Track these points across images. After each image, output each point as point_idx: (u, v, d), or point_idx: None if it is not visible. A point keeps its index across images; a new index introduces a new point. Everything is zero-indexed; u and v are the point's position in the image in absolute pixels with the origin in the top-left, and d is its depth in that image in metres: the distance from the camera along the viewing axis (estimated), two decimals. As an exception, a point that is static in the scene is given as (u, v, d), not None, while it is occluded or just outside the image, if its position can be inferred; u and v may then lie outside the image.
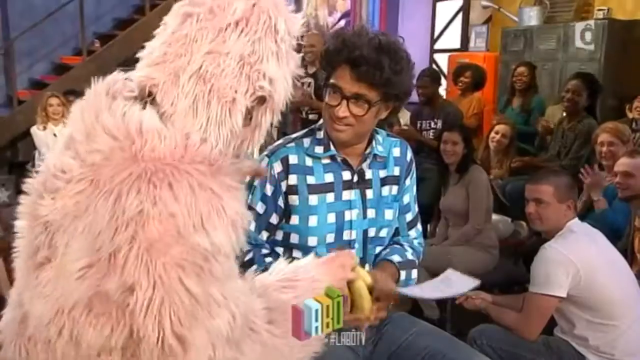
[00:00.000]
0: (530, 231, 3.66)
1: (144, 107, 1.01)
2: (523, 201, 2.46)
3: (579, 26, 5.40)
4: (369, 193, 1.72)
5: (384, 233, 1.76)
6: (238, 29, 1.02)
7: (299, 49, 1.12)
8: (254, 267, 1.61)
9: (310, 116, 4.87)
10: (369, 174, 1.73)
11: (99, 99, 1.04)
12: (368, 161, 1.72)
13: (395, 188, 1.77)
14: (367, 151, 1.71)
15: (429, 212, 3.88)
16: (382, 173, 1.75)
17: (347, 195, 1.69)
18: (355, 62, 1.52)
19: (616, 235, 3.02)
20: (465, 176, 3.47)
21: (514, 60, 5.65)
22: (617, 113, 4.94)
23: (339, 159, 1.68)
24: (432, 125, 4.72)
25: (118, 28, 7.72)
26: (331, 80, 1.59)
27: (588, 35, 5.26)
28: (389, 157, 1.77)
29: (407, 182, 1.82)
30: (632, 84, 4.98)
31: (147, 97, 1.04)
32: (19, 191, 4.13)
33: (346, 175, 1.69)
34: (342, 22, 8.00)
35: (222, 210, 0.96)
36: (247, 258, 1.64)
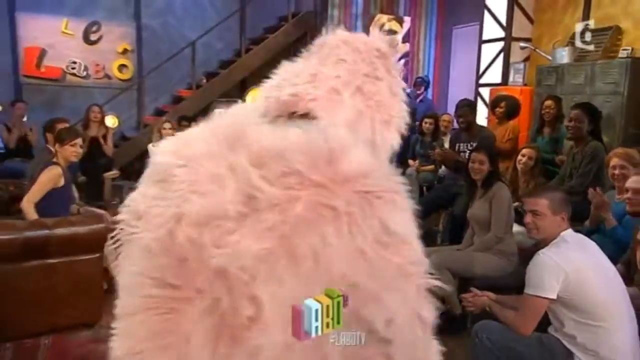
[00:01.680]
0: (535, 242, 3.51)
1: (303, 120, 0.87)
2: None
3: (604, 64, 5.14)
4: None
5: None
6: (381, 63, 0.99)
7: None
8: None
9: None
10: None
11: (253, 119, 0.89)
12: None
13: None
14: None
15: (464, 222, 3.82)
16: None
17: None
18: None
19: (624, 249, 2.87)
20: (490, 191, 3.40)
21: (546, 94, 5.44)
22: (637, 140, 4.65)
23: None
24: (469, 147, 4.63)
25: (221, 67, 8.06)
26: None
27: (612, 72, 4.99)
28: None
29: None
30: (652, 115, 4.70)
31: (299, 113, 0.90)
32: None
33: None
34: (402, 62, 7.98)
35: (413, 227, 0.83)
36: None
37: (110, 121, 6.99)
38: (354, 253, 0.72)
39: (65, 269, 3.14)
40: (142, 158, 7.38)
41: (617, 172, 3.24)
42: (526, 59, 6.55)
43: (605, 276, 2.13)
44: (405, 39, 7.95)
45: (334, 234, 0.71)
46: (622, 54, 5.18)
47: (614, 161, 3.29)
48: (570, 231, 2.22)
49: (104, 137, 6.23)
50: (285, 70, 0.99)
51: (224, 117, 0.94)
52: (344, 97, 0.90)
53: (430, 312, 0.79)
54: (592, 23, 5.58)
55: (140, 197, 0.86)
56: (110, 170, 6.07)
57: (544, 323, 2.20)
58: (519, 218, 3.61)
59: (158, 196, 0.82)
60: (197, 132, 0.92)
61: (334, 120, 0.87)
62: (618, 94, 4.91)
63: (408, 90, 7.69)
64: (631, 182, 2.64)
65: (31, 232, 3.00)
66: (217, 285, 0.71)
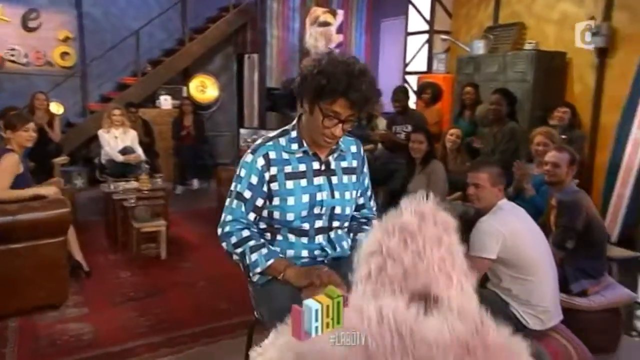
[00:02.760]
0: (477, 211, 3.69)
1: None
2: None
3: (514, 55, 5.43)
4: (334, 179, 1.71)
5: (347, 211, 1.75)
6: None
7: None
8: (252, 241, 1.62)
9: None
10: (333, 165, 1.72)
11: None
12: (335, 155, 1.72)
13: (354, 177, 1.77)
14: (334, 147, 1.70)
15: (399, 195, 3.92)
16: (343, 164, 1.75)
17: (317, 180, 1.68)
18: (349, 95, 1.49)
19: (540, 214, 3.07)
20: (427, 167, 3.52)
21: (465, 81, 5.67)
22: (542, 121, 4.96)
23: (310, 153, 1.68)
24: (404, 129, 4.76)
25: (165, 55, 7.72)
26: (332, 108, 1.52)
27: (521, 62, 5.28)
28: (348, 152, 1.77)
29: (365, 170, 1.83)
30: (554, 99, 5.02)
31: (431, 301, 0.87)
32: (90, 179, 4.19)
33: (315, 165, 1.69)
34: (337, 52, 8.01)
35: None
36: (244, 235, 1.63)
37: (55, 108, 6.54)
38: None
39: (30, 252, 2.97)
40: (88, 144, 7.01)
41: (540, 148, 3.46)
42: (447, 50, 6.76)
43: (534, 237, 2.28)
44: (338, 30, 7.97)
45: None
46: (527, 46, 5.49)
47: (538, 138, 3.50)
48: (505, 200, 2.35)
49: (50, 123, 5.82)
50: (393, 251, 0.92)
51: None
52: (453, 280, 0.90)
53: None
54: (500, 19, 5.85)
55: None
56: (58, 156, 5.69)
57: (483, 280, 2.33)
58: (451, 190, 3.81)
59: None
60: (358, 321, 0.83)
61: (449, 304, 0.87)
62: (526, 81, 5.20)
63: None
64: (550, 157, 2.81)
65: (-6, 218, 2.79)
66: None
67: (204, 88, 7.90)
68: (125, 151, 5.37)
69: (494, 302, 2.23)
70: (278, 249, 1.69)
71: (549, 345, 2.18)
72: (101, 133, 5.47)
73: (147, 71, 7.40)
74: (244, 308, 3.11)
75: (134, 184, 4.55)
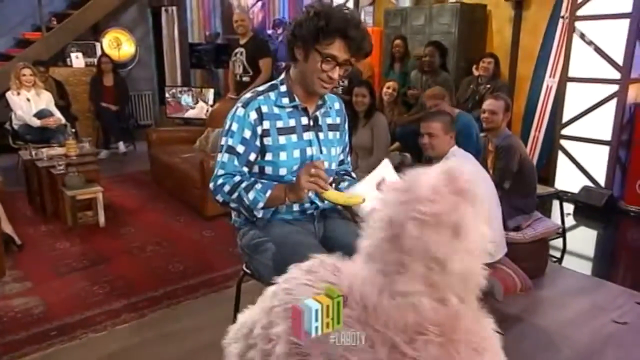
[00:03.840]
0: (414, 160, 3.89)
1: None
2: (409, 139, 2.58)
3: (439, 8, 5.61)
4: (321, 135, 1.73)
5: (333, 166, 1.78)
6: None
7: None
8: (244, 182, 1.61)
9: (244, 79, 4.80)
10: (320, 121, 1.73)
11: None
12: (321, 110, 1.73)
13: (337, 133, 1.80)
14: (320, 102, 1.72)
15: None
16: (328, 120, 1.77)
17: (306, 136, 1.69)
18: (347, 37, 1.51)
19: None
20: (371, 120, 3.61)
21: (393, 34, 5.78)
22: (467, 71, 5.25)
23: (300, 108, 1.67)
24: (341, 84, 4.81)
25: (71, 7, 7.05)
26: (327, 51, 1.53)
27: (445, 15, 5.48)
28: (332, 109, 1.79)
29: (346, 127, 1.88)
30: (476, 51, 5.30)
31: None
32: (1, 146, 3.84)
33: (304, 120, 1.69)
34: (259, 4, 7.77)
35: None
36: (236, 180, 1.62)
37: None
38: None
39: (-43, 229, 2.72)
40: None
41: (434, 110, 3.67)
42: (373, 2, 6.81)
43: (483, 179, 2.47)
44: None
45: None
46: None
47: (429, 102, 3.69)
48: (456, 147, 2.51)
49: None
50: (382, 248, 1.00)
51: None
52: (440, 287, 0.98)
53: None
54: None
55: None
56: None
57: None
58: (391, 141, 3.95)
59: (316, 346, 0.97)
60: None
61: (433, 296, 0.98)
62: (451, 33, 5.42)
63: (269, 32, 7.58)
64: (487, 105, 3.00)
65: None
66: None
67: (119, 44, 7.37)
68: (41, 115, 4.94)
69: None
70: (270, 182, 1.66)
71: (498, 276, 2.43)
72: (9, 95, 4.97)
73: (52, 26, 6.72)
74: (201, 268, 3.14)
75: (59, 150, 4.23)
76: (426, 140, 2.48)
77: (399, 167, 3.97)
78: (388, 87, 4.35)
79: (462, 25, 5.37)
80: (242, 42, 4.81)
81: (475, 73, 4.94)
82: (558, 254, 3.47)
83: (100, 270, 3.13)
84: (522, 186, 2.96)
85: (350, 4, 6.87)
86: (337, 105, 1.83)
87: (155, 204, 4.46)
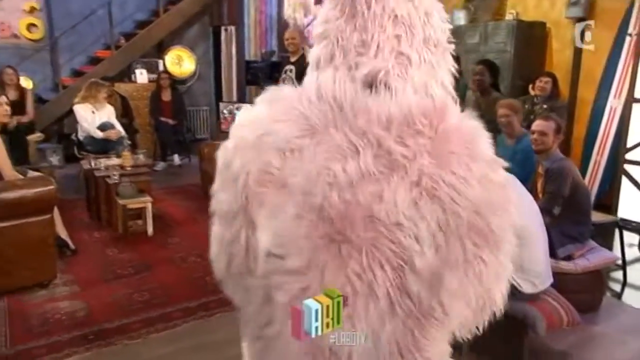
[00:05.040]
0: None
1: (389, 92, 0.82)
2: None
3: (494, 25, 5.44)
4: None
5: None
6: None
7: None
8: None
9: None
10: None
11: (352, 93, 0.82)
12: None
13: None
14: None
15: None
16: None
17: None
18: None
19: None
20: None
21: (446, 52, 5.65)
22: (523, 91, 5.04)
23: None
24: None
25: (138, 28, 7.47)
26: None
27: (501, 33, 5.30)
28: None
29: None
30: (534, 69, 5.08)
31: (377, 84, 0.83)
32: (65, 156, 4.09)
33: None
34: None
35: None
36: None
37: (25, 83, 6.28)
38: (460, 179, 0.78)
39: (14, 232, 2.91)
40: (61, 120, 6.78)
41: (503, 120, 3.52)
42: (427, 21, 6.72)
43: (525, 204, 2.30)
44: (317, 1, 7.81)
45: (437, 169, 0.78)
46: (508, 17, 5.51)
47: (501, 111, 3.55)
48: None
49: (22, 99, 5.60)
50: (335, 31, 0.85)
51: (308, 90, 0.86)
52: (412, 59, 0.83)
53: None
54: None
55: (275, 169, 0.83)
56: (32, 133, 5.52)
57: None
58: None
59: (294, 167, 0.81)
60: (296, 101, 0.85)
61: (412, 84, 0.83)
62: (506, 51, 5.24)
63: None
64: (536, 126, 2.84)
65: (-23, 197, 2.70)
66: (369, 230, 0.77)
67: (180, 61, 7.71)
68: (104, 127, 5.22)
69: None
70: None
71: (542, 308, 2.25)
72: (77, 109, 5.28)
73: (120, 44, 7.15)
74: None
75: (115, 161, 4.45)
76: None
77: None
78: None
79: (519, 43, 5.17)
80: (292, 59, 4.88)
81: (532, 92, 4.72)
82: (618, 288, 3.21)
83: (143, 278, 3.22)
84: (575, 213, 2.77)
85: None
86: None
87: (203, 216, 4.51)
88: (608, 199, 4.56)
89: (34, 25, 7.03)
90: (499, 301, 0.89)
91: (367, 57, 0.82)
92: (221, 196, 0.93)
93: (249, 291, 0.93)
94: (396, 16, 0.83)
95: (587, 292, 2.78)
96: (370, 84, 0.82)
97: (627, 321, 2.78)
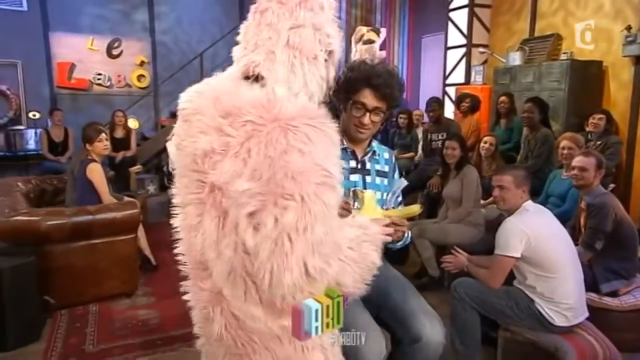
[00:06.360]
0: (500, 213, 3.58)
1: (258, 84, 0.99)
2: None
3: (548, 65, 5.23)
4: (368, 178, 1.72)
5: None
6: (302, 7, 1.02)
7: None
8: None
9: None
10: (368, 165, 1.73)
11: (229, 85, 1.01)
12: (368, 155, 1.74)
13: (385, 180, 1.78)
14: (368, 148, 1.74)
15: (439, 200, 3.87)
16: (377, 167, 1.76)
17: (353, 177, 1.68)
18: (377, 86, 1.54)
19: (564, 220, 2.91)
20: (461, 173, 3.46)
21: (502, 91, 5.51)
22: (578, 128, 4.75)
23: (349, 151, 1.69)
24: (439, 137, 4.70)
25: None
26: (359, 99, 1.56)
27: (555, 72, 5.09)
28: (381, 157, 1.79)
29: (395, 176, 1.84)
30: (588, 107, 4.79)
31: (252, 76, 1.01)
32: (161, 185, 4.42)
33: (352, 163, 1.70)
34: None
35: (334, 151, 0.96)
36: None
37: (132, 124, 6.96)
38: (268, 157, 0.92)
39: (106, 248, 3.18)
40: (159, 154, 7.38)
41: (565, 152, 3.35)
42: (484, 62, 6.61)
43: (558, 237, 2.20)
44: (382, 47, 7.98)
45: (259, 147, 0.92)
46: (562, 56, 5.28)
47: (564, 143, 3.39)
48: (530, 202, 2.29)
49: (128, 137, 6.20)
50: (243, 37, 1.08)
51: (218, 79, 1.10)
52: (277, 55, 1.00)
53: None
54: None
55: (177, 133, 1.14)
56: (134, 165, 6.05)
57: (510, 278, 2.27)
58: (486, 195, 3.72)
59: (185, 133, 1.09)
60: (203, 87, 1.10)
61: (276, 77, 1.00)
62: (560, 90, 5.00)
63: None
64: (576, 162, 2.70)
65: (77, 217, 3.03)
66: (214, 192, 0.99)
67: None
68: (190, 160, 5.60)
69: (521, 299, 2.20)
70: None
71: (575, 341, 2.09)
72: (168, 144, 5.70)
73: (210, 89, 7.70)
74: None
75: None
76: (497, 193, 2.30)
77: (495, 220, 3.75)
78: (485, 142, 4.12)
79: (573, 81, 4.92)
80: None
81: (587, 129, 4.45)
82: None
83: (209, 293, 3.38)
84: (619, 249, 2.55)
85: (462, 65, 6.75)
86: (386, 155, 1.82)
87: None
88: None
89: (142, 75, 7.80)
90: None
91: (246, 52, 1.03)
92: None
93: None
94: (268, 24, 1.02)
95: (634, 330, 2.52)
96: (248, 75, 1.01)
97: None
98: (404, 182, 1.65)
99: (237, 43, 1.10)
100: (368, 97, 1.56)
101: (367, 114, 1.58)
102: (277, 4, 1.02)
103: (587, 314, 2.19)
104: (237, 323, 1.05)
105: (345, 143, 1.70)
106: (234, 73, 1.06)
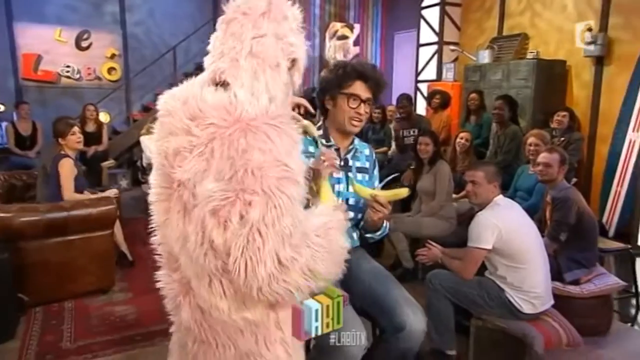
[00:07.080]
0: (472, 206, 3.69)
1: (224, 89, 1.03)
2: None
3: (516, 63, 5.40)
4: (350, 175, 1.76)
5: (360, 203, 1.78)
6: (266, 18, 1.07)
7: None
8: None
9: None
10: (350, 162, 1.78)
11: (194, 90, 1.06)
12: (351, 153, 1.79)
13: (366, 176, 1.82)
14: (351, 146, 1.79)
15: (412, 194, 3.94)
16: (358, 164, 1.81)
17: (336, 174, 1.71)
18: (364, 77, 1.64)
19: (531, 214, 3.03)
20: (434, 167, 3.53)
21: (472, 88, 5.66)
22: (544, 124, 4.94)
23: (333, 148, 1.71)
24: (411, 133, 4.80)
25: (199, 69, 7.86)
26: (352, 91, 1.64)
27: (522, 70, 5.26)
28: (362, 154, 1.84)
29: (375, 172, 1.89)
30: (553, 104, 4.99)
31: (219, 82, 1.06)
32: (134, 180, 4.38)
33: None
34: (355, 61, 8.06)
35: (295, 148, 1.01)
36: None
37: (104, 117, 6.79)
38: (230, 157, 0.97)
39: (82, 244, 3.12)
40: (131, 149, 7.24)
41: (532, 148, 3.48)
42: (455, 59, 6.76)
43: (526, 230, 2.30)
44: (355, 43, 8.04)
45: (222, 149, 0.97)
46: (529, 55, 5.46)
47: (531, 140, 3.52)
48: (501, 196, 2.38)
49: (99, 131, 6.06)
50: (212, 46, 1.13)
51: (189, 83, 1.15)
52: (240, 63, 1.04)
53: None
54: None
55: (156, 133, 1.15)
56: (106, 160, 5.93)
57: (482, 269, 2.36)
58: (459, 189, 3.83)
59: (159, 133, 1.13)
60: (176, 90, 1.15)
61: (241, 83, 1.04)
62: (528, 87, 5.18)
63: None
64: (541, 158, 2.81)
65: (52, 213, 2.96)
66: (179, 187, 1.04)
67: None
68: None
69: (491, 289, 2.28)
70: None
71: (541, 328, 2.21)
72: (142, 139, 5.64)
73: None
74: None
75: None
76: (469, 188, 2.39)
77: (466, 213, 3.86)
78: (461, 137, 4.23)
79: (540, 79, 5.11)
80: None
81: (552, 126, 4.63)
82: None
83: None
84: (581, 239, 2.69)
85: (434, 62, 6.88)
86: (367, 151, 1.87)
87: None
88: (628, 227, 4.35)
89: (113, 68, 7.61)
90: None
91: (214, 59, 1.08)
92: None
93: None
94: (233, 33, 1.07)
95: (594, 316, 2.67)
96: (215, 81, 1.06)
97: (635, 347, 2.65)
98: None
99: (209, 37, 1.14)
100: (360, 88, 1.65)
101: (362, 104, 1.66)
102: (242, 15, 1.06)
103: (552, 302, 2.31)
104: (202, 314, 1.10)
105: (331, 140, 1.74)
106: (203, 78, 1.11)
